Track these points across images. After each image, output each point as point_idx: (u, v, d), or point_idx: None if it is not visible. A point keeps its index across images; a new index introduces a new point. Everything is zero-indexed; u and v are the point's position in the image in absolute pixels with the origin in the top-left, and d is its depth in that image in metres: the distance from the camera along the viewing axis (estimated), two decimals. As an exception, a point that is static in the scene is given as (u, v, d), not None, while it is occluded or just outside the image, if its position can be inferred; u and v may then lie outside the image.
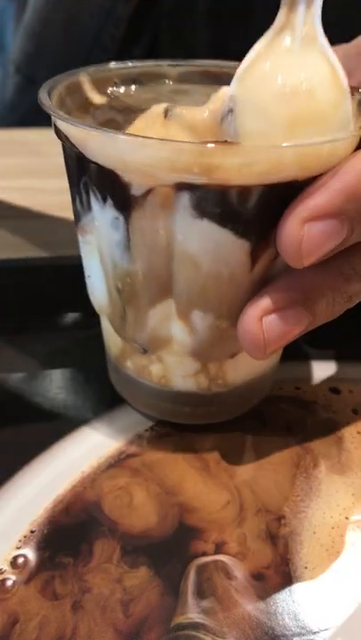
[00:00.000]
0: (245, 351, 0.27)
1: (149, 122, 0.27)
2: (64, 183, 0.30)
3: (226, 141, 0.24)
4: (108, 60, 0.34)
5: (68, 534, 0.28)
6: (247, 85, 0.26)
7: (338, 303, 0.27)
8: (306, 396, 0.36)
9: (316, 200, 0.24)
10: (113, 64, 0.33)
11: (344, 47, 0.36)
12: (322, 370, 0.37)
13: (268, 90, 0.25)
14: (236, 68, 0.26)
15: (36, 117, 0.27)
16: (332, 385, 0.36)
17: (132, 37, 0.65)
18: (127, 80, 0.33)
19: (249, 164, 0.23)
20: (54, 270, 0.41)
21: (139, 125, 0.28)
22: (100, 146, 0.25)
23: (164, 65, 0.34)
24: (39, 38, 0.65)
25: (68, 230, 0.46)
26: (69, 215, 0.31)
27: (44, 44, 0.65)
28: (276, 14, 0.26)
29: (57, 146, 0.28)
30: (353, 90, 0.29)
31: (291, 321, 0.26)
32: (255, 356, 0.27)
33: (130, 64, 0.33)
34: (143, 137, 0.24)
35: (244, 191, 0.24)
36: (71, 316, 0.40)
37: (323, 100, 0.25)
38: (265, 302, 0.26)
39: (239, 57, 0.29)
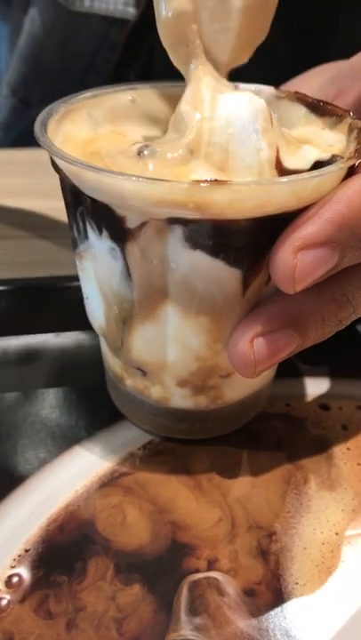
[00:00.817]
0: (235, 370, 0.28)
1: (132, 159, 0.28)
2: (58, 204, 0.30)
3: (217, 180, 0.25)
4: (105, 83, 0.34)
5: (63, 553, 0.28)
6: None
7: (328, 326, 0.28)
8: (296, 412, 0.36)
9: (309, 229, 0.25)
10: (106, 89, 0.33)
11: (340, 65, 0.36)
12: (312, 386, 0.38)
13: None
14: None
15: (31, 138, 0.28)
16: (322, 401, 0.37)
17: (128, 61, 0.66)
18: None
19: (240, 200, 0.24)
20: (56, 289, 0.42)
21: (123, 160, 0.28)
22: (95, 183, 0.25)
23: (160, 86, 0.34)
24: (34, 62, 0.66)
25: (64, 250, 0.47)
26: (64, 234, 0.31)
27: (39, 68, 0.66)
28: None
29: (52, 167, 0.29)
30: (343, 113, 0.30)
31: (281, 343, 0.27)
32: (245, 375, 0.28)
33: (123, 87, 0.34)
34: (137, 176, 0.24)
35: (235, 224, 0.25)
36: (71, 335, 0.41)
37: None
38: (256, 325, 0.27)
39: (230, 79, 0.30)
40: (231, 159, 0.28)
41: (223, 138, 0.28)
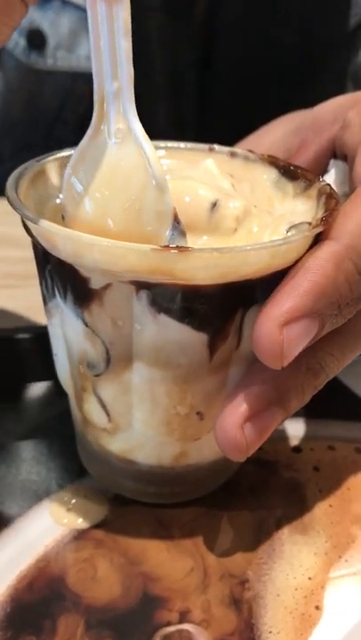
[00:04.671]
0: (226, 455, 0.28)
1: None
2: (28, 253, 0.31)
3: (186, 248, 0.25)
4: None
5: (32, 612, 0.28)
6: (79, 179, 0.28)
7: (307, 395, 0.29)
8: (268, 456, 0.36)
9: (290, 303, 0.25)
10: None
11: (302, 116, 0.37)
12: (283, 429, 0.38)
13: (92, 180, 0.27)
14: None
15: (2, 187, 0.29)
16: (293, 443, 0.37)
17: None
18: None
19: (207, 267, 0.25)
20: (27, 339, 0.41)
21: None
22: (60, 244, 0.26)
23: None
24: (2, 118, 0.68)
25: (35, 299, 0.47)
26: (33, 285, 0.31)
27: (6, 123, 0.67)
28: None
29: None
30: (313, 178, 0.31)
31: (268, 422, 0.27)
32: (237, 459, 0.28)
33: None
34: (102, 240, 0.25)
35: (201, 289, 0.26)
36: (42, 386, 0.41)
37: (134, 190, 0.26)
38: (243, 407, 0.27)
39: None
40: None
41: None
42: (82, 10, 0.61)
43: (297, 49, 0.61)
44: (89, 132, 0.28)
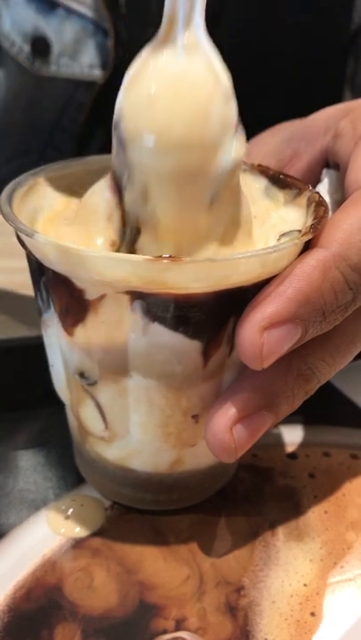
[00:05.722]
0: (216, 457, 0.28)
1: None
2: (25, 263, 0.31)
3: (178, 258, 0.25)
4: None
5: (29, 621, 0.28)
6: (132, 94, 0.27)
7: (297, 400, 0.29)
8: (263, 463, 0.36)
9: (272, 308, 0.26)
10: (72, 160, 0.33)
11: (295, 125, 0.37)
12: (279, 436, 0.38)
13: (147, 95, 0.26)
14: None
15: None
16: (289, 450, 0.37)
17: (96, 120, 0.67)
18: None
19: (199, 276, 0.25)
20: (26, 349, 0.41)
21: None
22: (54, 257, 0.26)
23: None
24: (0, 123, 0.68)
25: (32, 311, 0.48)
26: (29, 294, 0.32)
27: (5, 129, 0.68)
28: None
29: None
30: (302, 187, 0.31)
31: (258, 425, 0.28)
32: (226, 460, 0.28)
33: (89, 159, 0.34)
34: (95, 252, 0.25)
35: (194, 298, 0.26)
36: (39, 397, 0.41)
37: (202, 99, 0.26)
38: (232, 410, 0.27)
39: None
40: None
41: None
42: (86, 19, 0.61)
43: (296, 56, 0.61)
44: (153, 43, 0.26)
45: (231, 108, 0.27)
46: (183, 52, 0.26)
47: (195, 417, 0.29)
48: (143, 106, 0.26)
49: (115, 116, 0.28)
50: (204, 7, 0.26)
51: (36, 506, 0.33)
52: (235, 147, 0.27)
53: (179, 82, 0.26)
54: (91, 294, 0.27)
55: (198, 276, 0.25)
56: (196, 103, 0.26)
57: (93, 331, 0.28)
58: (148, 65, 0.26)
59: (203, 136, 0.26)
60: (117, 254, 0.25)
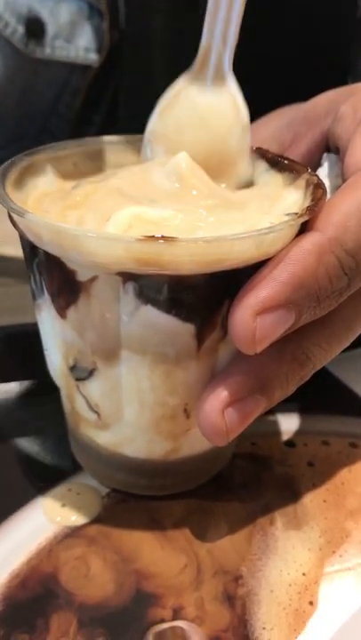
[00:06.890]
0: (207, 439, 0.28)
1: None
2: (19, 250, 0.30)
3: (172, 237, 0.24)
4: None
5: (24, 610, 0.28)
6: (164, 120, 0.31)
7: (291, 385, 0.28)
8: (262, 451, 0.36)
9: (266, 292, 0.25)
10: (68, 142, 0.33)
11: (296, 109, 0.37)
12: (277, 424, 0.38)
13: (177, 122, 0.31)
14: None
15: None
16: (287, 438, 0.37)
17: (91, 105, 0.66)
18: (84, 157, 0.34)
19: (192, 256, 0.24)
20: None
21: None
22: (46, 237, 0.26)
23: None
24: None
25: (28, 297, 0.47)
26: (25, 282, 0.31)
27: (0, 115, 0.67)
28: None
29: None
30: (301, 169, 0.31)
31: (250, 409, 0.27)
32: (217, 443, 0.28)
33: (85, 140, 0.34)
34: (87, 231, 0.25)
35: (187, 279, 0.25)
36: (34, 383, 0.40)
37: (223, 129, 0.31)
38: (224, 393, 0.27)
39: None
40: None
41: None
42: (81, 0, 0.60)
43: (299, 40, 0.61)
44: (186, 76, 0.31)
45: (246, 138, 0.32)
46: (211, 87, 0.31)
47: (187, 404, 0.29)
48: (173, 133, 0.31)
49: (146, 135, 0.32)
50: (234, 47, 0.30)
51: (31, 494, 0.33)
52: (246, 168, 0.32)
53: (205, 114, 0.31)
54: (83, 276, 0.26)
55: (192, 255, 0.25)
56: (217, 133, 0.31)
57: (85, 313, 0.27)
58: (180, 95, 0.31)
59: (221, 160, 0.31)
60: (110, 233, 0.25)
